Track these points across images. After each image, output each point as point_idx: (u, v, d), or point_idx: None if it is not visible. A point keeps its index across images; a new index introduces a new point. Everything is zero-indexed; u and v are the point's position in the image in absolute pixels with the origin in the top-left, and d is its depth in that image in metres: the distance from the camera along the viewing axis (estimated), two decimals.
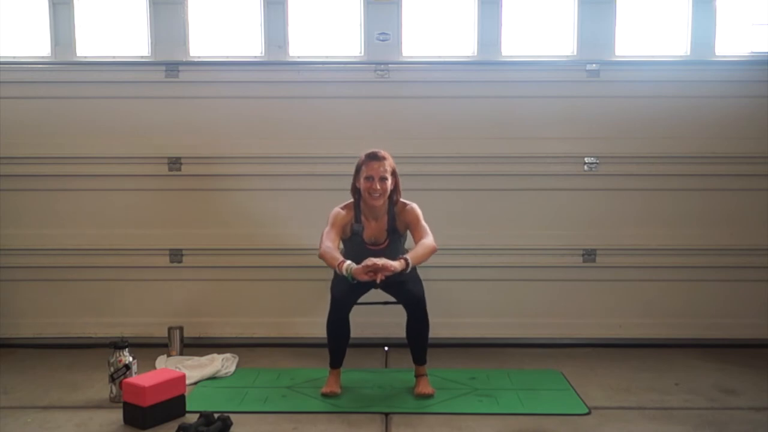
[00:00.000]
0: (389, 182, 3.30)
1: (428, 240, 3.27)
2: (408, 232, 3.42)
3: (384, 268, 3.05)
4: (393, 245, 3.38)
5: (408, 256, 3.18)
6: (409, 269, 3.15)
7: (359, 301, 3.39)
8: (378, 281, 3.09)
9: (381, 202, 3.31)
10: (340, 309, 3.28)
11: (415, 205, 3.38)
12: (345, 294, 3.29)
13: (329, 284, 3.41)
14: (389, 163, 3.32)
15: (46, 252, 4.13)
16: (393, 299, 3.43)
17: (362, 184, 3.31)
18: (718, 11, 4.09)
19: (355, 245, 3.38)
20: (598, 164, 4.10)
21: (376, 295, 3.44)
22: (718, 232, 4.13)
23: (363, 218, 3.38)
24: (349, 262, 3.12)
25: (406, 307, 3.32)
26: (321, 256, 3.23)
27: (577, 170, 4.11)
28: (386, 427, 2.99)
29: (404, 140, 4.01)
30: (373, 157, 3.30)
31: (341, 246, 3.41)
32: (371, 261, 3.07)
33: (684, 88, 4.08)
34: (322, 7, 4.15)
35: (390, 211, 3.38)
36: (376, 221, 3.38)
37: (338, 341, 3.33)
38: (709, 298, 4.16)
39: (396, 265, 3.09)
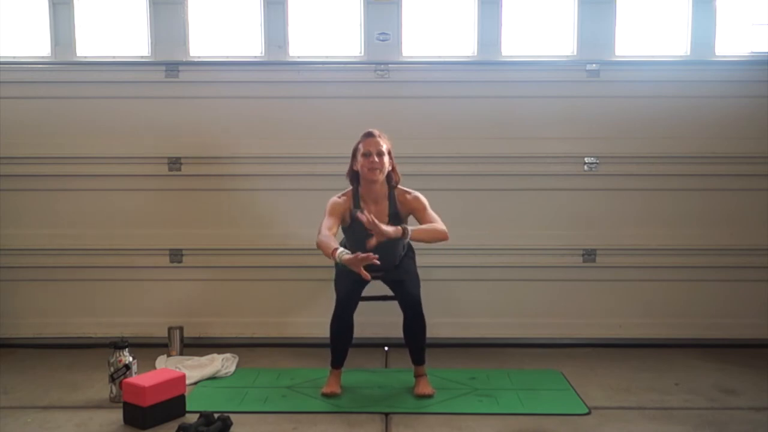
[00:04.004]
0: (387, 159, 3.30)
1: (440, 225, 3.26)
2: (410, 219, 3.40)
3: (378, 232, 3.02)
4: None
5: (410, 227, 3.16)
6: (407, 239, 3.13)
7: (361, 295, 3.38)
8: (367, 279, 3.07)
9: (380, 178, 3.30)
10: (344, 308, 3.28)
11: (419, 194, 3.37)
12: (349, 292, 3.29)
13: (329, 284, 3.41)
14: (385, 142, 3.33)
15: (46, 252, 4.13)
16: (392, 294, 3.43)
17: (360, 161, 3.29)
18: (718, 11, 4.09)
19: (356, 232, 3.33)
20: (598, 164, 4.10)
21: (376, 289, 3.45)
22: (718, 232, 4.13)
23: (362, 203, 3.36)
24: (341, 249, 3.10)
25: (402, 307, 3.31)
26: (317, 245, 3.21)
27: (577, 170, 4.11)
28: (386, 427, 3.00)
29: (404, 140, 3.98)
30: (370, 135, 3.31)
31: (342, 236, 3.41)
32: (365, 217, 3.04)
33: (684, 88, 4.08)
34: (322, 7, 4.15)
35: (390, 196, 3.37)
36: (376, 205, 3.36)
37: (341, 341, 3.33)
38: (709, 298, 4.16)
39: (390, 230, 3.07)
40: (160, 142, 4.10)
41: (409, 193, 3.38)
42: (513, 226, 4.13)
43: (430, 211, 3.33)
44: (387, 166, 3.31)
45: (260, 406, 3.20)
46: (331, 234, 3.21)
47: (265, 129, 4.10)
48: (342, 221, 3.34)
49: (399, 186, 3.40)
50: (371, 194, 3.36)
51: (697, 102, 4.08)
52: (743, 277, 4.14)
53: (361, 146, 3.31)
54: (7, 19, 4.16)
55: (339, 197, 3.37)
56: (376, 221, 3.05)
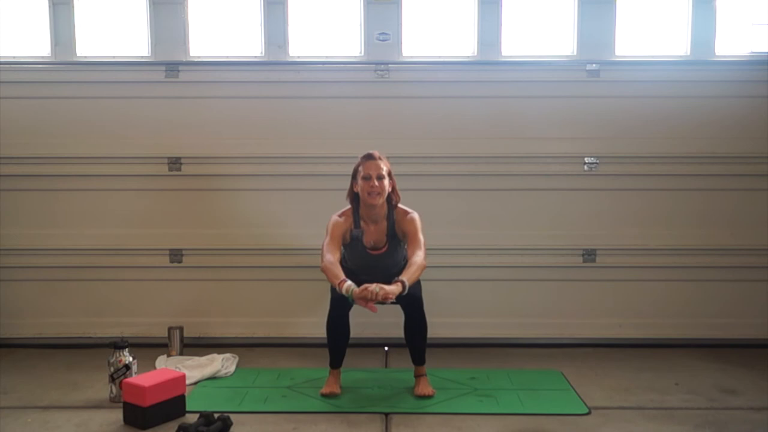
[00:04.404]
0: (387, 182, 3.31)
1: (418, 258, 3.23)
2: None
3: (383, 296, 3.03)
4: (392, 249, 3.39)
5: (404, 278, 3.15)
6: (405, 292, 3.12)
7: None
8: (374, 312, 3.08)
9: (380, 202, 3.31)
10: (339, 308, 3.28)
11: (416, 215, 3.36)
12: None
13: (329, 284, 3.40)
14: (385, 164, 3.33)
15: (46, 252, 4.13)
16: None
17: (360, 184, 3.30)
18: (718, 11, 4.09)
19: (355, 250, 3.39)
20: (598, 164, 4.10)
21: None
22: (718, 232, 4.13)
23: (362, 223, 3.38)
24: (349, 282, 3.11)
25: (403, 307, 3.32)
26: (323, 271, 3.22)
27: (577, 170, 4.11)
28: (386, 427, 3.00)
29: (404, 140, 4.01)
30: (370, 157, 3.32)
31: (342, 251, 3.41)
32: (369, 291, 3.02)
33: (684, 88, 4.08)
34: (322, 7, 4.15)
35: (389, 216, 3.38)
36: (375, 225, 3.38)
37: (338, 341, 3.34)
38: (709, 298, 4.16)
39: (394, 290, 3.07)
40: (160, 142, 4.10)
41: (408, 213, 3.37)
42: (513, 226, 4.13)
43: (419, 236, 3.31)
44: (387, 189, 3.32)
45: (260, 406, 3.20)
46: (336, 261, 3.23)
47: (265, 129, 4.10)
48: (342, 240, 3.36)
49: (399, 205, 3.40)
50: (371, 215, 3.36)
51: (697, 102, 4.08)
52: (743, 277, 4.14)
53: (361, 168, 3.31)
54: (7, 19, 4.16)
55: (339, 216, 3.38)
56: (385, 290, 3.04)
